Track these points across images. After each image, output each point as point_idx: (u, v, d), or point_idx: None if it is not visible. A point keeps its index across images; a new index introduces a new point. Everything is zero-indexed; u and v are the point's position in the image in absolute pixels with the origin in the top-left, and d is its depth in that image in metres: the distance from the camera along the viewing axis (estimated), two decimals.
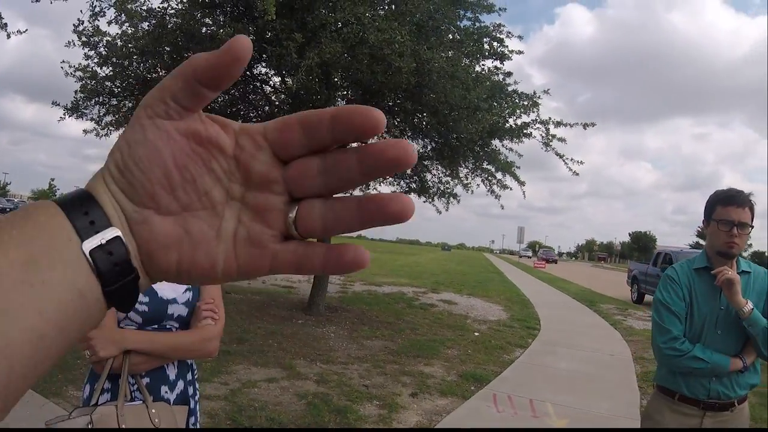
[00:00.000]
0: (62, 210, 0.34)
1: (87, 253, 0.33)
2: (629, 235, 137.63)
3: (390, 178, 12.31)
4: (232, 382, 5.27)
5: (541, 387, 6.18)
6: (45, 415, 1.77)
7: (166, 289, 1.65)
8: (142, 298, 1.60)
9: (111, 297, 0.34)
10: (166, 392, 1.65)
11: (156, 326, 1.65)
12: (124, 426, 1.48)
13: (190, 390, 1.74)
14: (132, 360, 1.55)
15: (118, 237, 0.34)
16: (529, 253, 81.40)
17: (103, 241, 0.34)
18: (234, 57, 0.33)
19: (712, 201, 2.32)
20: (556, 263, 62.02)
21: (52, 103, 8.84)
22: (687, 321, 2.28)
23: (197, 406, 1.78)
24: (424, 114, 8.33)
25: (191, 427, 1.74)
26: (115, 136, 9.52)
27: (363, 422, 4.58)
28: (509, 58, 8.77)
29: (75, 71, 8.38)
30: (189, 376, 1.75)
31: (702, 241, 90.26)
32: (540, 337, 9.50)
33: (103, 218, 0.34)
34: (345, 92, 8.57)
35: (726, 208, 2.24)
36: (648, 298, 17.49)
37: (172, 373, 1.68)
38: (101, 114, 9.11)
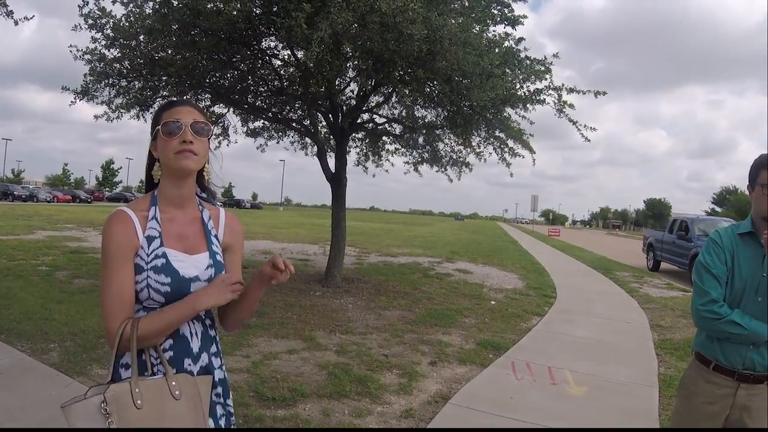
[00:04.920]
0: None
1: None
2: (644, 202, 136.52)
3: (402, 149, 12.27)
4: (254, 355, 5.34)
5: (559, 354, 6.20)
6: (70, 394, 1.77)
7: (188, 267, 1.62)
8: (163, 278, 1.58)
9: None
10: (190, 365, 1.63)
11: None
12: (139, 401, 1.45)
13: (216, 362, 1.72)
14: (140, 333, 1.52)
15: None
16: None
17: None
18: None
19: (757, 165, 2.20)
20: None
21: (62, 88, 8.78)
22: (728, 286, 2.21)
23: (225, 376, 1.76)
24: (436, 82, 8.22)
25: (219, 398, 1.73)
26: (126, 118, 9.47)
27: (384, 391, 4.62)
28: (520, 23, 8.61)
29: (83, 55, 8.34)
30: (213, 349, 1.72)
31: (717, 208, 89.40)
32: (556, 305, 9.50)
33: None
34: (356, 62, 8.46)
35: None
36: (664, 265, 17.39)
37: (195, 345, 1.65)
38: (111, 96, 9.07)
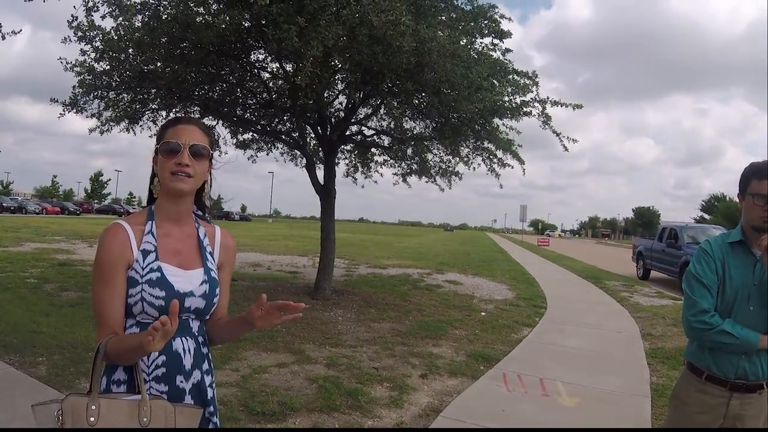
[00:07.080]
0: None
1: None
2: (633, 210, 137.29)
3: (391, 161, 12.29)
4: (243, 369, 5.29)
5: (550, 365, 6.19)
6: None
7: (182, 282, 1.61)
8: (158, 292, 1.57)
9: None
10: (182, 382, 1.62)
11: None
12: (93, 419, 1.43)
13: (207, 380, 1.71)
14: (107, 350, 1.49)
15: None
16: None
17: None
18: None
19: (747, 174, 2.20)
20: None
21: (51, 100, 8.72)
22: (718, 295, 2.19)
23: (214, 394, 1.76)
24: (425, 94, 8.26)
25: (211, 417, 1.71)
26: (115, 131, 9.49)
27: (374, 404, 4.59)
28: (508, 36, 8.69)
29: (72, 67, 8.30)
30: (205, 366, 1.71)
31: (706, 215, 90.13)
32: (547, 316, 9.51)
33: None
34: (345, 75, 8.48)
35: (761, 182, 2.13)
36: (654, 274, 17.47)
37: (187, 362, 1.64)
38: (100, 109, 9.04)
